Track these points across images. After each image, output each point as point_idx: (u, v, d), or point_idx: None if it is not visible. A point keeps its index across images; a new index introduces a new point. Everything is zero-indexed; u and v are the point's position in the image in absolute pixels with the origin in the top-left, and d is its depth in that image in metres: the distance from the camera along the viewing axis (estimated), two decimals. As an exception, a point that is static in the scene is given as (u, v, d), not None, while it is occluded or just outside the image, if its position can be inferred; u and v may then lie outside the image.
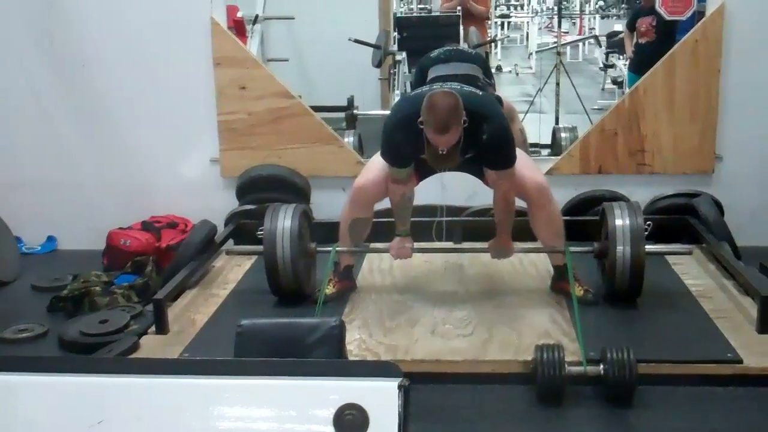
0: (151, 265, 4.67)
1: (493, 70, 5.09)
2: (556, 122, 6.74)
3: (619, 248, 3.84)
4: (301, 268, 4.05)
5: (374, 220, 4.11)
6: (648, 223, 4.10)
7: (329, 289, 4.11)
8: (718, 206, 4.82)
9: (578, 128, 5.90)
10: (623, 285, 3.88)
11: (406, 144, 3.64)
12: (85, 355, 3.70)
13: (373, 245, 4.31)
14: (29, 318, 4.23)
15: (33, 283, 4.78)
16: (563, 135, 5.88)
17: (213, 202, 5.15)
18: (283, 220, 4.05)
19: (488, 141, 3.56)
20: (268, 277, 4.06)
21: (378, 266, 4.58)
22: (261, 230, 4.10)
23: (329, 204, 4.82)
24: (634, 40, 6.92)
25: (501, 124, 3.62)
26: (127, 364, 1.86)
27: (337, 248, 4.12)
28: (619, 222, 3.89)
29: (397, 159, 3.77)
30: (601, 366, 3.24)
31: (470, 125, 3.45)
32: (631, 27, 6.95)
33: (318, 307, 3.86)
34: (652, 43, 6.33)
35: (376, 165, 3.92)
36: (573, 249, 4.01)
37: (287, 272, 4.01)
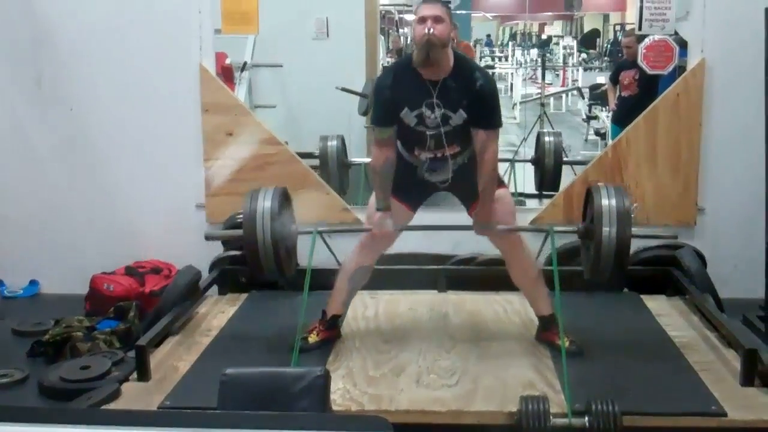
0: (134, 311, 4.64)
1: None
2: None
3: (606, 229, 3.73)
4: (282, 250, 3.92)
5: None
6: (636, 204, 4.03)
7: (313, 337, 4.10)
8: (701, 258, 4.85)
9: (562, 177, 5.93)
10: (608, 265, 3.79)
11: (393, 84, 3.74)
12: (65, 401, 3.67)
13: (355, 227, 4.35)
14: (9, 363, 4.19)
15: (14, 327, 4.74)
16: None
17: (198, 248, 5.11)
18: (263, 202, 3.91)
19: (481, 89, 3.69)
20: (247, 259, 3.94)
21: (362, 313, 4.57)
22: (240, 214, 4.00)
23: (315, 250, 4.81)
24: (617, 93, 7.00)
25: (491, 78, 3.86)
26: (109, 416, 1.84)
27: (318, 230, 4.04)
28: (605, 202, 3.78)
29: (382, 106, 3.80)
30: (586, 418, 3.23)
31: (462, 69, 3.68)
32: (614, 80, 7.03)
33: (294, 356, 3.81)
34: (635, 96, 6.39)
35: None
36: (557, 228, 3.99)
37: (268, 252, 3.85)
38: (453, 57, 3.69)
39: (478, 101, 3.70)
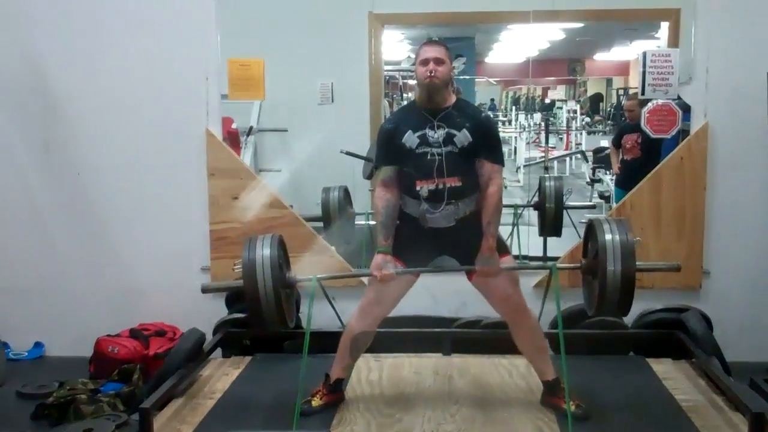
0: (138, 373, 4.63)
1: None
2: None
3: (610, 267, 3.70)
4: (281, 298, 3.87)
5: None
6: (638, 239, 3.96)
7: (316, 401, 4.08)
8: (707, 321, 4.84)
9: (566, 241, 5.94)
10: (613, 300, 3.75)
11: (396, 121, 3.88)
12: (68, 465, 3.66)
13: (357, 270, 4.25)
14: (13, 425, 4.19)
15: (18, 389, 4.73)
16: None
17: (202, 311, 5.14)
18: (262, 249, 3.89)
19: (484, 119, 3.89)
20: (248, 308, 3.90)
21: (366, 377, 4.55)
22: (237, 263, 3.94)
23: (319, 313, 4.81)
24: (620, 156, 7.03)
25: (492, 118, 3.96)
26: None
27: (318, 276, 4.00)
28: (608, 237, 3.76)
29: (385, 144, 3.89)
30: (593, 483, 3.19)
31: (465, 107, 3.86)
32: (617, 143, 7.06)
33: (295, 421, 3.80)
34: (638, 160, 6.43)
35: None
36: (560, 266, 4.02)
37: (269, 300, 3.81)
38: (454, 97, 3.90)
39: (481, 130, 3.82)
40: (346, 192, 5.96)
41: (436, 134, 3.79)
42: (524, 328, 4.00)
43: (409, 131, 3.82)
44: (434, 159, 3.78)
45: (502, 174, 3.87)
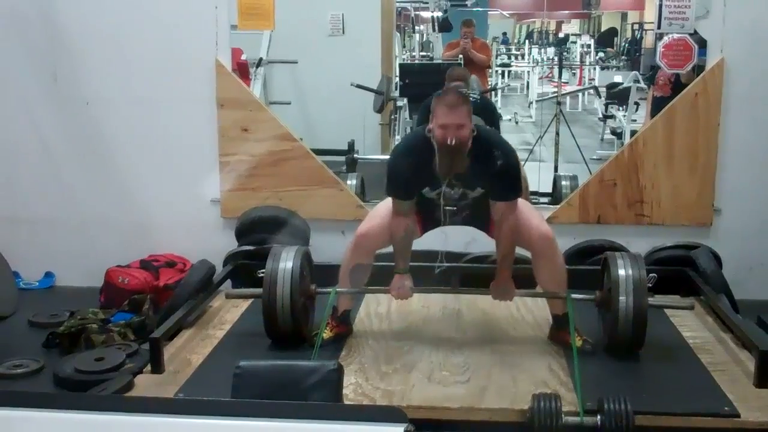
0: (149, 304, 4.66)
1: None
2: (556, 171, 6.77)
3: (622, 299, 3.83)
4: (300, 311, 4.04)
5: (374, 263, 4.12)
6: (653, 275, 4.12)
7: (326, 333, 4.10)
8: (717, 259, 4.82)
9: (578, 177, 5.92)
10: (626, 336, 3.87)
11: (413, 167, 3.72)
12: (79, 392, 3.68)
13: (372, 287, 4.31)
14: (25, 353, 4.21)
15: (30, 318, 4.76)
16: (564, 183, 5.91)
17: (212, 242, 5.15)
18: (285, 262, 4.05)
19: (500, 167, 3.65)
20: (265, 319, 4.04)
21: (375, 310, 4.57)
22: (261, 271, 4.09)
23: (328, 247, 4.83)
24: (652, 93, 6.92)
25: (512, 151, 3.77)
26: (125, 403, 1.84)
27: (337, 290, 4.11)
28: (622, 272, 3.89)
29: (402, 186, 3.82)
30: (598, 417, 3.21)
31: (482, 150, 3.59)
32: (654, 80, 6.96)
33: (315, 350, 3.85)
34: (666, 99, 6.34)
35: (379, 212, 3.96)
36: (574, 296, 4.00)
37: (286, 314, 3.99)
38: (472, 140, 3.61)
39: (497, 177, 3.71)
40: None
41: (453, 191, 3.75)
42: (550, 260, 3.97)
43: (428, 188, 3.78)
44: (449, 209, 3.83)
45: (517, 206, 3.79)
